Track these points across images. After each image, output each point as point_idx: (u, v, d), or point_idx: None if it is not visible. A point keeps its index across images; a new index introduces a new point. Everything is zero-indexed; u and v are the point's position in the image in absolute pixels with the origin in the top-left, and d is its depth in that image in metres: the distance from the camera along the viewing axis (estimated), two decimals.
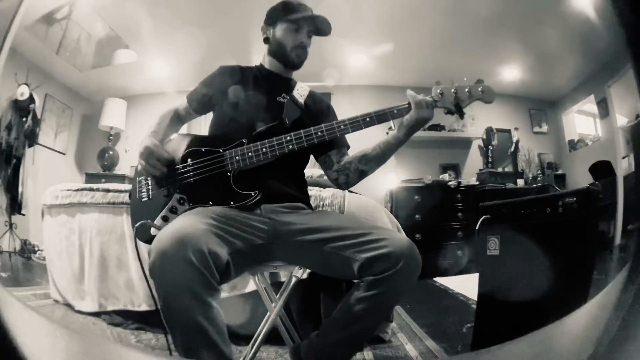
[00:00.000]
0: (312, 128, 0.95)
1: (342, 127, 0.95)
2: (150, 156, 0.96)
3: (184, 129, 1.17)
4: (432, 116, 0.95)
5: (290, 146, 0.95)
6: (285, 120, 1.03)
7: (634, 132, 1.85)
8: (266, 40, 1.10)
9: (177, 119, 1.13)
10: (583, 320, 0.67)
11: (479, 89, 0.95)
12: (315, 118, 1.06)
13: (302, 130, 0.95)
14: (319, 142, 0.96)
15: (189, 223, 0.79)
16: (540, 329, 0.66)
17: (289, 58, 1.08)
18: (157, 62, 3.07)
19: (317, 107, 1.12)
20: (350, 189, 1.20)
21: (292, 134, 0.95)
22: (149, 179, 1.01)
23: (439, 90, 0.95)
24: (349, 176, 1.06)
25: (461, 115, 0.97)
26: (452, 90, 0.95)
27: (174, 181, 0.98)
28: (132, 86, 3.21)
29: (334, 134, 0.95)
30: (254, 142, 0.97)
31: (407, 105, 0.95)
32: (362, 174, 1.05)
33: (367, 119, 0.95)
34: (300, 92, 1.11)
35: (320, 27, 1.07)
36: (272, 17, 1.09)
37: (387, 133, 2.96)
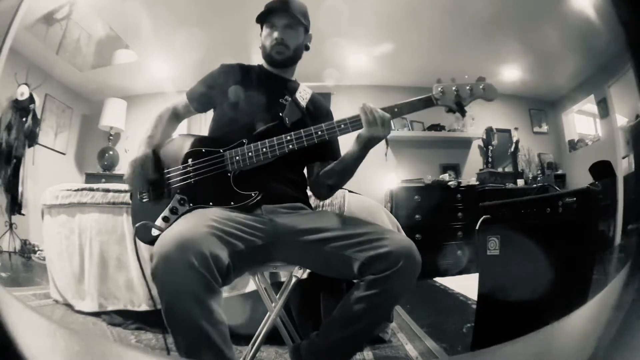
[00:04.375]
0: (312, 127, 0.95)
1: (342, 126, 0.95)
2: (134, 173, 0.97)
3: (184, 128, 1.18)
4: (387, 134, 0.92)
5: (291, 146, 0.95)
6: (285, 119, 1.02)
7: (634, 132, 1.85)
8: (260, 48, 1.12)
9: (176, 117, 1.13)
10: (583, 320, 0.67)
11: (481, 87, 0.95)
12: (315, 122, 1.06)
13: (302, 130, 0.95)
14: (319, 142, 0.96)
15: (191, 226, 0.79)
16: (540, 329, 0.66)
17: (270, 56, 1.08)
18: (157, 62, 3.07)
19: (317, 112, 1.12)
20: (351, 189, 1.20)
21: (292, 133, 0.95)
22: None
23: (440, 89, 0.95)
24: (320, 189, 1.08)
25: (462, 113, 0.96)
26: (454, 88, 0.95)
27: (175, 182, 0.98)
28: (132, 86, 3.20)
29: (334, 134, 0.95)
30: (254, 142, 0.96)
31: (407, 103, 0.95)
32: (330, 188, 1.06)
33: None
34: (303, 95, 1.11)
35: (279, 8, 1.06)
36: (260, 26, 1.10)
37: None
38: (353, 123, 0.95)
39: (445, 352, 1.29)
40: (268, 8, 1.06)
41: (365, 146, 0.94)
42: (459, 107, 0.95)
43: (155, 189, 0.99)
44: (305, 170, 1.13)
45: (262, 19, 1.08)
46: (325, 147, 1.01)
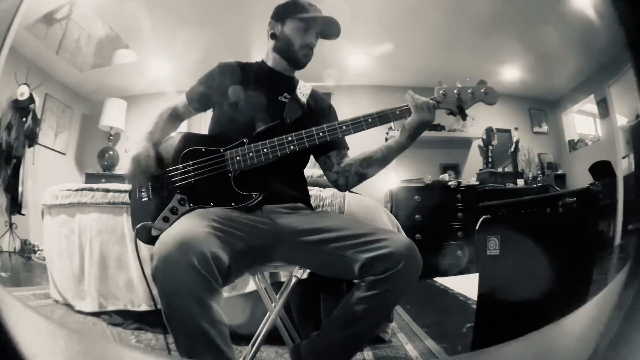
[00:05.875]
0: (313, 128, 0.95)
1: (344, 127, 0.95)
2: (137, 169, 0.96)
3: (183, 126, 1.17)
4: (433, 119, 0.94)
5: (292, 147, 0.95)
6: (287, 119, 1.02)
7: (634, 132, 1.85)
8: (273, 36, 1.08)
9: (176, 116, 1.13)
10: (583, 320, 0.67)
11: (482, 90, 0.95)
12: (316, 118, 1.06)
13: (303, 131, 0.95)
14: (320, 143, 0.96)
15: (191, 226, 0.79)
16: (540, 329, 0.66)
17: (295, 57, 1.06)
18: (157, 62, 3.07)
19: (319, 107, 1.12)
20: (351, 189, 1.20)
21: (293, 134, 0.95)
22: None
23: (441, 91, 0.94)
24: (348, 178, 1.06)
25: (463, 117, 0.96)
26: (455, 91, 0.94)
27: (175, 181, 0.98)
28: (132, 86, 3.20)
29: (335, 135, 0.95)
30: (255, 142, 0.96)
31: (409, 107, 0.95)
32: (362, 177, 1.05)
33: (369, 120, 0.94)
34: (303, 91, 1.10)
35: (328, 29, 1.06)
36: (282, 14, 1.07)
37: (387, 133, 2.97)
38: (355, 125, 0.95)
39: (445, 352, 1.29)
40: (314, 14, 1.04)
41: (414, 133, 0.95)
42: (460, 110, 0.95)
43: (156, 187, 0.99)
44: (316, 165, 1.12)
45: (302, 16, 1.04)
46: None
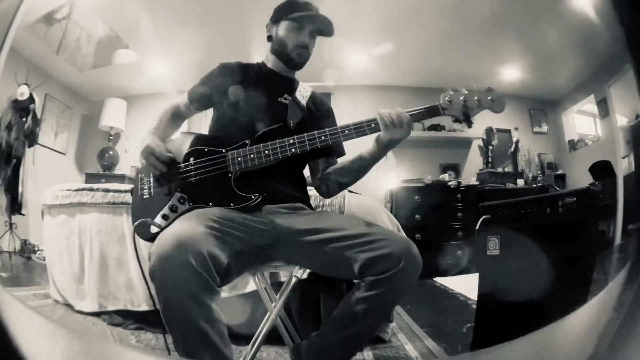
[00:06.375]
0: (315, 132, 0.94)
1: (346, 132, 0.94)
2: (150, 155, 0.96)
3: (184, 126, 1.18)
4: (406, 134, 0.91)
5: (293, 149, 0.94)
6: (289, 122, 1.02)
7: (634, 132, 1.85)
8: (269, 38, 1.09)
9: (178, 115, 1.13)
10: (583, 320, 0.67)
11: (489, 98, 0.93)
12: (316, 121, 1.06)
13: (305, 134, 0.94)
14: (321, 146, 0.95)
15: (189, 226, 0.79)
16: (540, 329, 0.66)
17: (290, 57, 1.07)
18: (157, 62, 3.07)
19: (318, 110, 1.12)
20: (350, 189, 1.20)
21: (295, 137, 0.94)
22: (151, 177, 1.01)
23: (447, 98, 0.93)
24: (329, 186, 1.07)
25: (469, 124, 0.95)
26: (461, 98, 0.93)
27: (176, 180, 0.98)
28: (132, 86, 3.20)
29: (337, 139, 0.95)
30: (257, 144, 0.96)
31: (412, 111, 0.94)
32: (341, 186, 1.06)
33: (372, 125, 0.93)
34: (303, 93, 1.10)
35: (322, 27, 1.06)
36: (277, 15, 1.08)
37: None
38: (357, 129, 0.94)
39: (445, 352, 1.29)
40: (306, 13, 1.04)
41: (384, 148, 0.94)
42: (465, 117, 0.93)
43: (157, 185, 0.99)
44: (307, 167, 1.12)
45: (293, 16, 1.04)
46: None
